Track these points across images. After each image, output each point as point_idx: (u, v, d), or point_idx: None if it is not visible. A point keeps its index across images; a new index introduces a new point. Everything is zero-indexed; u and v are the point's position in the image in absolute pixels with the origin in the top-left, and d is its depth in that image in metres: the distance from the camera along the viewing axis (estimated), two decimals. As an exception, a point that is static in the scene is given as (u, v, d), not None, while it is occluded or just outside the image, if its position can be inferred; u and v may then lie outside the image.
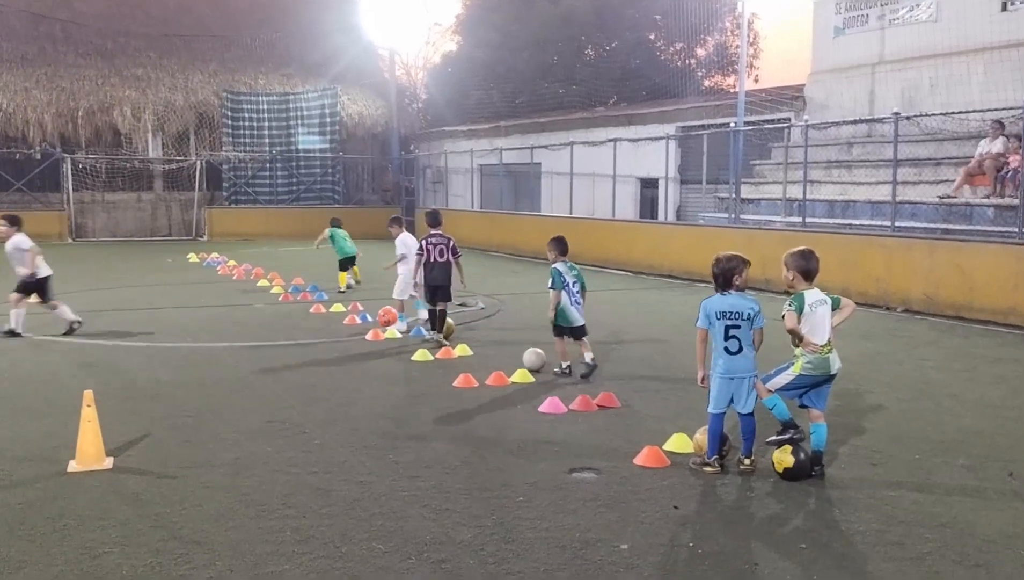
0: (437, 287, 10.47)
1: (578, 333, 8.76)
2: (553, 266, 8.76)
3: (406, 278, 11.24)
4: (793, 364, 5.71)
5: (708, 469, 5.79)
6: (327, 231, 16.26)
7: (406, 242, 11.68)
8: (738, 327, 5.76)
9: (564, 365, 8.77)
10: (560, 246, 8.87)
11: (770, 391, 5.77)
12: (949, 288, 12.91)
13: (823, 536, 4.78)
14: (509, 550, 4.58)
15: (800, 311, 5.64)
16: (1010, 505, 5.26)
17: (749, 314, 5.78)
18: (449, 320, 10.91)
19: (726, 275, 5.85)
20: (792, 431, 5.71)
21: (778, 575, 4.31)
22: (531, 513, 5.10)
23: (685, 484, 5.60)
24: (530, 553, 4.54)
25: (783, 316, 5.68)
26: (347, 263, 15.98)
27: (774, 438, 5.78)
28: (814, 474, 5.70)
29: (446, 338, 10.55)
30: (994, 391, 8.27)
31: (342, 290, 15.50)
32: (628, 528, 4.89)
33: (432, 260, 10.46)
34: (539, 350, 9.00)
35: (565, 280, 8.69)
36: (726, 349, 5.80)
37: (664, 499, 5.33)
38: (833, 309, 5.81)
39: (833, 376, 5.77)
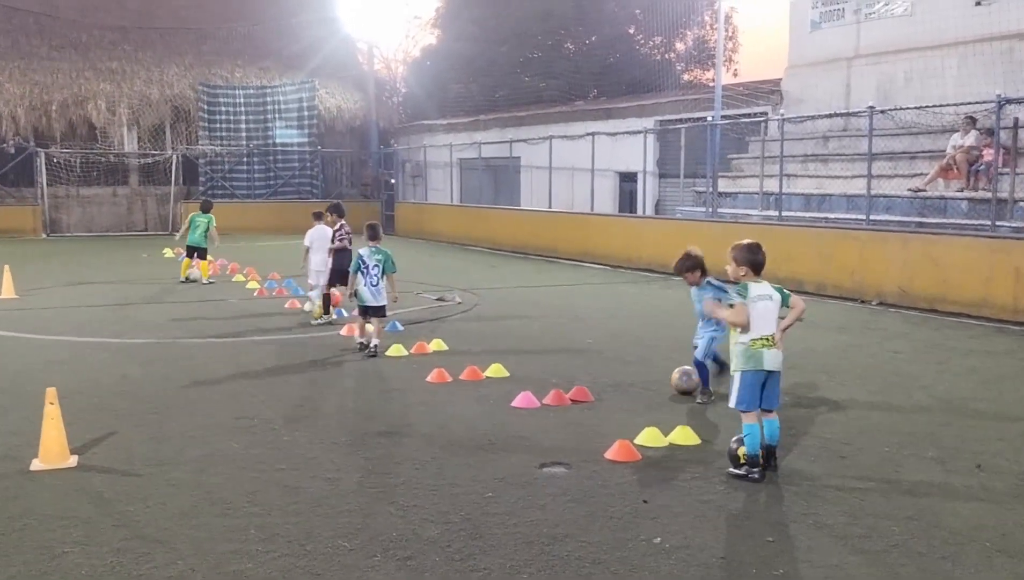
0: (339, 272, 11.19)
1: (375, 312, 9.61)
2: (358, 251, 9.74)
3: (316, 267, 11.87)
4: (733, 374, 5.70)
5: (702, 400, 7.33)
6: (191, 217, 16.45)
7: (312, 235, 12.01)
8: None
9: (359, 341, 9.79)
10: (371, 232, 9.79)
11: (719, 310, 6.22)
12: (923, 281, 13.00)
13: (790, 529, 4.78)
14: (476, 546, 4.55)
15: (745, 299, 5.62)
16: (977, 497, 5.29)
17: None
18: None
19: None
20: (752, 471, 5.54)
21: (744, 568, 4.30)
22: (499, 508, 5.07)
23: (655, 478, 5.59)
24: (497, 549, 4.51)
25: (731, 305, 5.68)
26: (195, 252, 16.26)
27: (733, 471, 5.64)
28: (768, 467, 5.66)
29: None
30: (965, 383, 8.32)
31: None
32: (597, 523, 4.86)
33: (338, 248, 11.51)
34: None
35: (365, 263, 9.53)
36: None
37: (634, 493, 5.31)
38: (783, 305, 5.74)
39: (773, 373, 5.65)
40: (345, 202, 14.35)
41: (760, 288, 5.68)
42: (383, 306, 9.64)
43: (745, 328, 5.57)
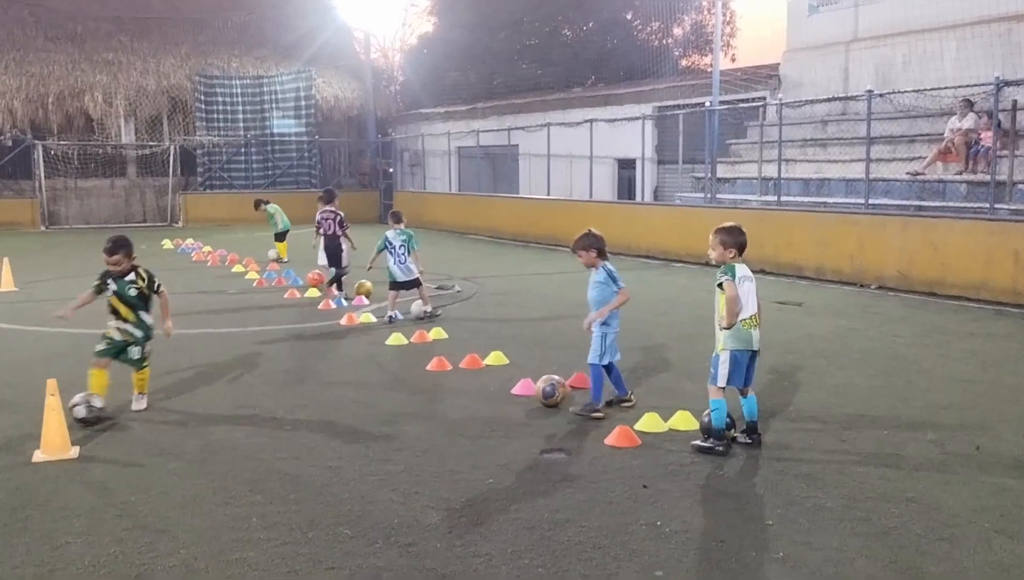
0: (330, 255, 12.64)
1: (406, 286, 10.77)
2: (385, 233, 10.86)
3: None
4: (719, 353, 5.75)
5: (598, 415, 6.52)
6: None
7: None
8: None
9: (389, 314, 10.74)
10: (395, 217, 11.02)
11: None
12: (922, 264, 12.99)
13: (790, 512, 4.80)
14: (477, 532, 4.56)
15: (734, 278, 5.66)
16: (976, 479, 5.30)
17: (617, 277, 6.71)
18: (367, 282, 12.70)
19: (605, 247, 6.78)
20: (718, 443, 5.71)
21: (744, 552, 4.32)
22: (500, 495, 5.08)
23: (655, 463, 5.61)
24: (498, 535, 4.53)
25: (719, 285, 5.69)
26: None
27: (699, 443, 5.80)
28: (749, 443, 5.81)
29: (367, 296, 12.44)
30: (964, 366, 8.34)
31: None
32: (597, 508, 4.88)
33: (324, 232, 12.66)
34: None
35: (392, 244, 10.68)
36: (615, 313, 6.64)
37: (634, 478, 5.33)
38: None
39: (756, 352, 5.82)
40: (343, 191, 14.49)
41: (743, 269, 5.80)
42: (415, 278, 10.80)
43: (736, 306, 5.61)
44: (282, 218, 17.97)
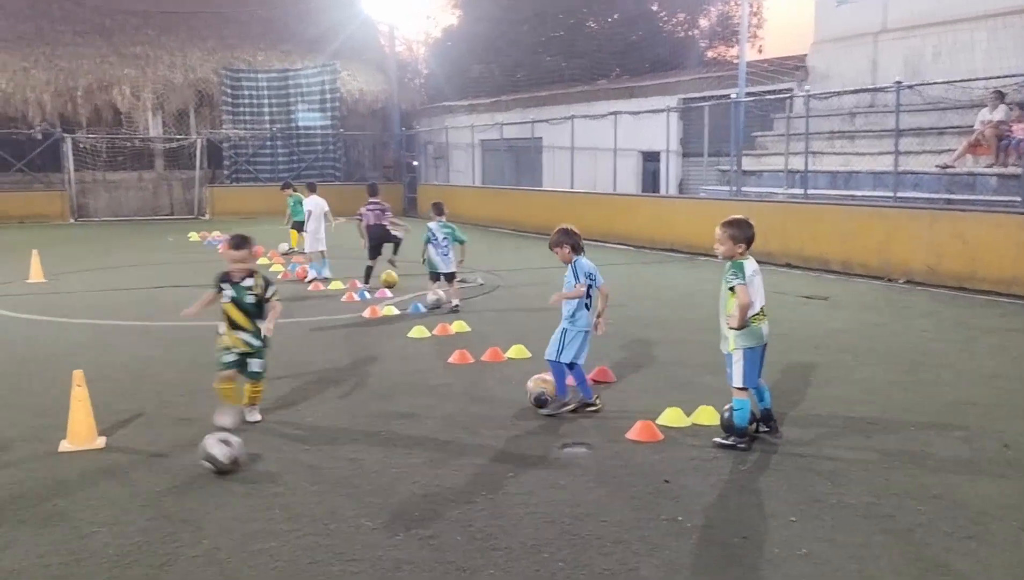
0: (373, 246, 13.25)
1: (448, 277, 11.22)
2: (428, 225, 11.29)
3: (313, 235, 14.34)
4: (732, 352, 5.66)
5: (569, 408, 6.49)
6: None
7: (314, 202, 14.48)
8: (591, 286, 6.55)
9: (435, 299, 11.18)
10: (436, 209, 11.39)
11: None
12: (951, 259, 12.82)
13: (814, 509, 4.75)
14: (497, 526, 4.56)
15: (745, 278, 5.58)
16: (1004, 476, 5.23)
17: (596, 273, 6.59)
18: (393, 272, 13.27)
19: (581, 242, 6.63)
20: (740, 440, 5.67)
21: (767, 548, 4.28)
22: (521, 488, 5.08)
23: (677, 458, 5.57)
24: (519, 529, 4.53)
25: (731, 288, 5.59)
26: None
27: (720, 440, 5.75)
28: (768, 431, 5.79)
29: (390, 288, 12.86)
30: (992, 362, 8.22)
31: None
32: (618, 502, 4.86)
33: (369, 223, 13.17)
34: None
35: (435, 236, 11.09)
36: (586, 305, 6.56)
37: (655, 473, 5.31)
38: None
39: (766, 344, 5.78)
40: (367, 184, 14.67)
41: (752, 264, 5.71)
42: (453, 271, 11.27)
43: (748, 311, 5.55)
44: (301, 209, 18.05)
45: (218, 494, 5.04)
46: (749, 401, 5.72)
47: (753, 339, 5.63)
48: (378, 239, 13.32)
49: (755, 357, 5.67)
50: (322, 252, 14.36)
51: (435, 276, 11.28)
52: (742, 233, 5.66)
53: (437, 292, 11.31)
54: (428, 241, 11.17)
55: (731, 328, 5.62)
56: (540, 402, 6.60)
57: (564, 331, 6.60)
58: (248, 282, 6.22)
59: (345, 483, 5.19)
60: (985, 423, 6.27)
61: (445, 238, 11.13)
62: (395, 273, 13.29)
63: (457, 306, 11.06)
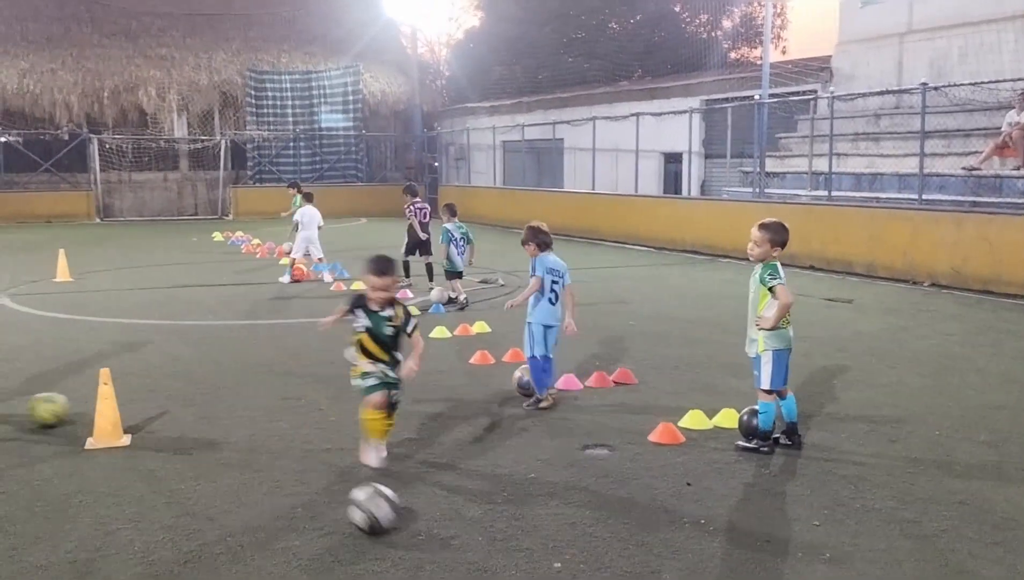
0: (421, 245, 13.33)
1: (460, 275, 11.70)
2: (444, 226, 11.69)
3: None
4: (761, 354, 5.62)
5: (544, 405, 6.67)
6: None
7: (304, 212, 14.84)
8: (557, 282, 6.75)
9: (455, 296, 11.55)
10: (451, 210, 11.94)
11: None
12: (976, 262, 12.69)
13: (837, 513, 4.72)
14: (518, 527, 4.57)
15: (784, 281, 5.58)
16: (1031, 482, 5.17)
17: (563, 271, 6.81)
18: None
19: (548, 240, 6.84)
20: (762, 443, 5.65)
21: (790, 552, 4.26)
22: (542, 490, 5.08)
23: (699, 461, 5.55)
24: (539, 530, 4.53)
25: (770, 288, 5.53)
26: None
27: (743, 444, 5.74)
28: (790, 444, 5.73)
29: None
30: (1019, 366, 8.12)
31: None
32: (639, 505, 4.85)
33: (422, 221, 13.24)
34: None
35: (453, 236, 11.55)
36: (549, 300, 6.77)
37: (677, 476, 5.29)
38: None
39: (791, 349, 5.75)
40: (389, 185, 14.87)
41: (781, 268, 5.67)
42: (460, 270, 11.76)
43: (789, 308, 5.54)
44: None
45: (242, 492, 5.07)
46: (774, 405, 5.69)
47: (783, 342, 5.61)
48: (418, 241, 13.39)
49: (784, 360, 5.64)
50: (320, 258, 15.00)
51: (453, 274, 11.67)
52: (779, 237, 5.65)
53: (456, 287, 11.67)
54: (450, 241, 11.55)
55: (762, 329, 5.59)
56: (523, 389, 6.93)
57: (527, 325, 6.85)
58: (388, 312, 5.37)
59: (368, 483, 5.20)
60: (1012, 427, 6.20)
61: (462, 238, 11.65)
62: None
63: (463, 302, 11.54)
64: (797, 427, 5.82)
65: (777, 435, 5.80)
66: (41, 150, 29.30)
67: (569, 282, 6.86)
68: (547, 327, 6.78)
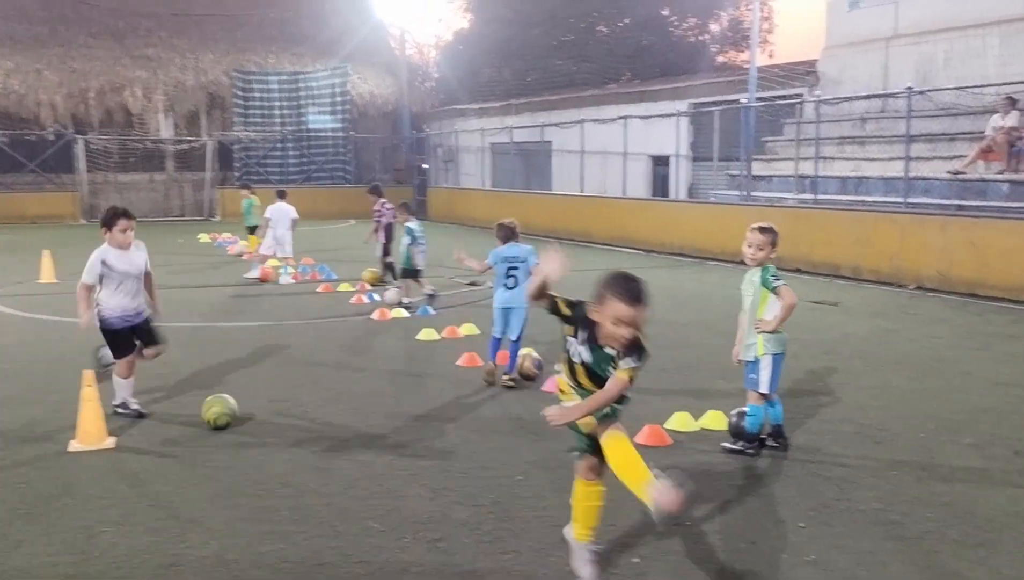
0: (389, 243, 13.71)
1: (417, 274, 11.77)
2: (407, 225, 11.67)
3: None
4: (760, 357, 5.61)
5: (506, 377, 7.40)
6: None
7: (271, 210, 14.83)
8: (516, 268, 7.40)
9: (428, 292, 11.68)
10: (409, 209, 12.08)
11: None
12: (962, 265, 12.77)
13: (822, 515, 4.74)
14: (505, 529, 4.56)
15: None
16: (1015, 484, 5.20)
17: (526, 257, 7.44)
18: (376, 271, 13.94)
19: (511, 232, 7.65)
20: (748, 445, 5.68)
21: (775, 553, 4.27)
22: (529, 492, 5.08)
23: (686, 463, 5.56)
24: (527, 532, 4.52)
25: (774, 289, 5.54)
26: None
27: (728, 446, 5.76)
28: (776, 447, 5.74)
29: (373, 284, 13.45)
30: (1005, 369, 8.17)
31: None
32: (626, 507, 4.83)
33: (390, 221, 13.55)
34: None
35: (417, 234, 11.53)
36: (505, 285, 7.45)
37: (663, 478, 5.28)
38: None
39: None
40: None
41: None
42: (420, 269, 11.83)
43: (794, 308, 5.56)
44: (256, 215, 17.59)
45: (227, 495, 5.05)
46: (763, 408, 5.70)
47: (780, 345, 5.63)
48: (390, 239, 13.76)
49: (780, 364, 5.66)
50: (286, 258, 14.82)
51: (410, 273, 11.70)
52: (777, 239, 5.68)
53: (421, 284, 11.83)
54: (415, 241, 11.53)
55: (764, 332, 5.59)
56: (523, 375, 7.64)
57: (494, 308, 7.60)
58: (612, 352, 3.99)
59: (353, 485, 5.19)
60: (997, 430, 6.24)
61: (422, 236, 11.66)
62: (378, 272, 13.92)
63: (411, 304, 11.60)
64: (783, 429, 5.84)
65: (763, 437, 5.82)
66: (26, 151, 29.09)
67: (534, 262, 7.19)
68: (505, 310, 7.46)
